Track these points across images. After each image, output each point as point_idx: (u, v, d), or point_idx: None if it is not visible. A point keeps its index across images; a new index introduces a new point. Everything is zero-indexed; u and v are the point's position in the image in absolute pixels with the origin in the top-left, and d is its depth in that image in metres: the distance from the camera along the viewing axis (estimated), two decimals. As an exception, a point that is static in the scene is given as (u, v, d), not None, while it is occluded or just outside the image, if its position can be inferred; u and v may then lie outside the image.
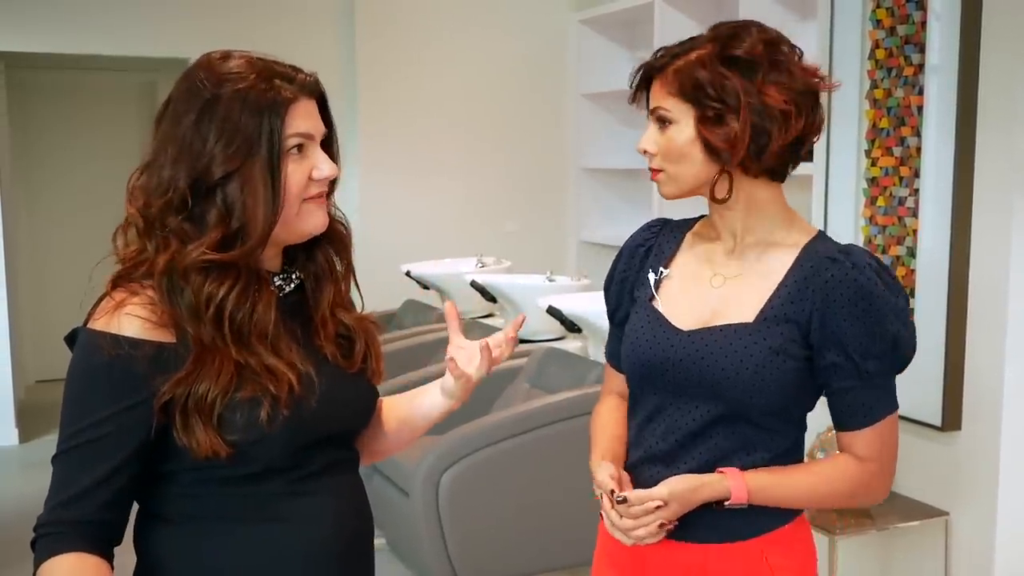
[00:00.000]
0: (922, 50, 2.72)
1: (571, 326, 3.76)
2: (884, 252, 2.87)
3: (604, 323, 3.60)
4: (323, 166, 1.31)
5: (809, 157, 1.47)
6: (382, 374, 1.44)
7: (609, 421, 1.57)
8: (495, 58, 5.82)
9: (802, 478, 1.42)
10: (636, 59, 5.33)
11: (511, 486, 3.22)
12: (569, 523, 2.98)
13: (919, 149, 2.74)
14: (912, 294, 2.75)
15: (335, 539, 1.33)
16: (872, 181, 2.91)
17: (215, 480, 1.27)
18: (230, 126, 1.24)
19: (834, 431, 1.46)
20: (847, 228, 2.95)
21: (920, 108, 2.73)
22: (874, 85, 2.88)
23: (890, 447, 1.43)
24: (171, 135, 1.26)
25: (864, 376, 1.37)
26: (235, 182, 1.25)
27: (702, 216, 1.54)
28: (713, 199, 1.43)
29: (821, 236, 1.44)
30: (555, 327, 3.98)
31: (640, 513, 1.37)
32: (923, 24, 2.72)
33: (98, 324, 1.23)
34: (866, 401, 1.39)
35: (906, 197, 2.80)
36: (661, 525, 1.38)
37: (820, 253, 1.40)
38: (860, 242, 2.92)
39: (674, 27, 4.68)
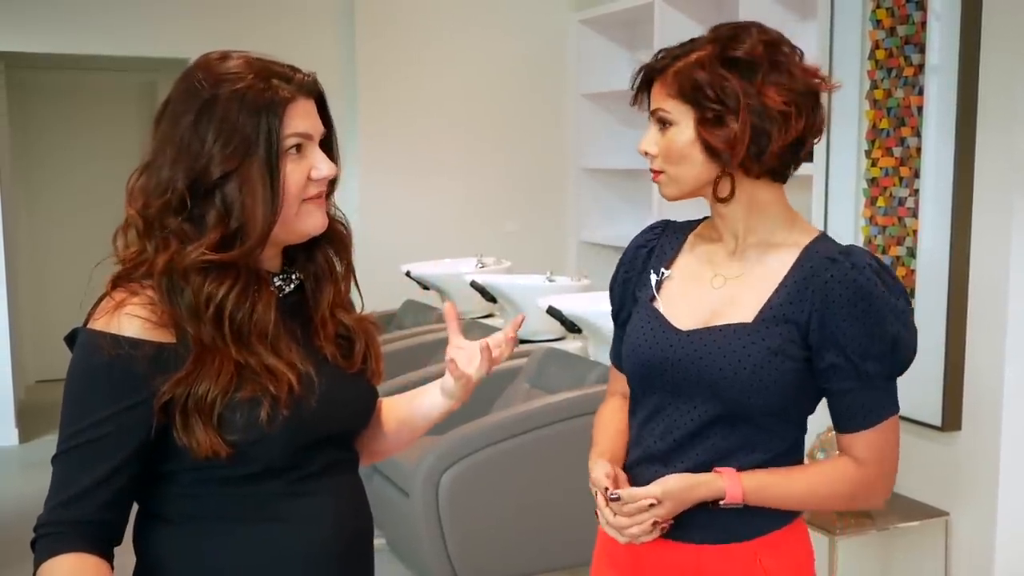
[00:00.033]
0: (922, 50, 2.72)
1: (571, 326, 3.76)
2: (884, 252, 2.87)
3: (604, 323, 3.63)
4: (322, 166, 1.31)
5: (809, 158, 1.47)
6: (382, 374, 1.44)
7: (611, 421, 1.57)
8: (495, 58, 5.82)
9: (800, 480, 1.42)
10: (636, 59, 5.33)
11: (511, 486, 3.22)
12: (569, 523, 2.98)
13: (919, 149, 2.74)
14: (912, 294, 2.75)
15: (335, 539, 1.33)
16: (872, 181, 2.91)
17: (215, 480, 1.27)
18: (228, 126, 1.24)
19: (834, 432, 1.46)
20: (847, 228, 2.95)
21: (920, 108, 2.73)
22: (874, 85, 2.88)
23: (890, 450, 1.42)
24: (169, 136, 1.27)
25: (863, 377, 1.36)
26: (233, 182, 1.25)
27: (705, 218, 1.54)
28: (714, 200, 1.43)
29: (823, 237, 1.44)
30: (555, 327, 3.98)
31: (633, 511, 1.37)
32: (923, 24, 2.72)
33: (98, 324, 1.23)
34: (865, 403, 1.38)
35: (906, 197, 2.80)
36: (655, 523, 1.38)
37: (820, 254, 1.39)
38: (860, 242, 2.92)
39: (674, 27, 4.68)
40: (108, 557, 1.24)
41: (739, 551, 1.42)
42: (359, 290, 1.47)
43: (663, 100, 1.41)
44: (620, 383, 1.60)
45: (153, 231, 1.26)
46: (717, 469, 1.40)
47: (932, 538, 2.80)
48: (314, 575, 1.32)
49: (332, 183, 1.36)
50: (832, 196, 3.02)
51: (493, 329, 3.77)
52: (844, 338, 1.35)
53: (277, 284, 1.34)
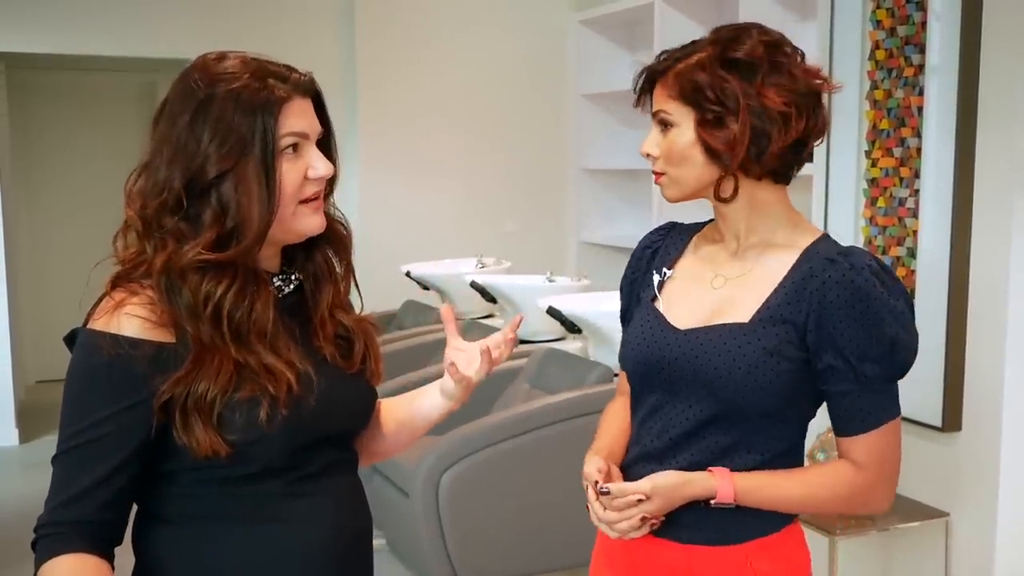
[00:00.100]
0: (922, 51, 2.72)
1: (571, 327, 3.76)
2: (884, 253, 2.87)
3: (604, 324, 3.63)
4: (318, 165, 1.31)
5: (810, 158, 1.46)
6: (381, 375, 1.44)
7: (614, 420, 1.57)
8: (495, 58, 5.81)
9: (796, 482, 1.40)
10: (636, 60, 5.33)
11: (511, 487, 3.22)
12: (569, 524, 2.97)
13: (919, 150, 2.74)
14: (912, 295, 2.75)
15: (334, 540, 1.33)
16: (872, 182, 2.91)
17: (214, 480, 1.27)
18: (224, 126, 1.24)
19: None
20: (847, 229, 2.95)
21: (920, 109, 2.73)
22: (874, 86, 2.88)
23: (891, 455, 1.40)
24: (167, 136, 1.27)
25: (862, 380, 1.35)
26: (229, 181, 1.25)
27: (711, 219, 1.54)
28: (715, 201, 1.43)
29: (825, 238, 1.44)
30: (555, 328, 3.98)
31: (622, 506, 1.37)
32: (923, 25, 2.72)
33: (98, 324, 1.24)
34: (864, 406, 1.37)
35: (906, 198, 2.80)
36: (644, 520, 1.37)
37: (820, 254, 1.39)
38: (860, 243, 2.92)
39: (674, 28, 4.68)
40: (108, 557, 1.24)
41: (730, 553, 1.41)
42: (359, 290, 1.47)
43: (664, 102, 1.41)
44: (627, 383, 1.61)
45: (151, 231, 1.26)
46: (710, 469, 1.39)
47: (932, 539, 2.80)
48: (313, 575, 1.32)
49: (331, 183, 1.36)
50: (832, 197, 3.02)
51: (493, 329, 3.77)
52: (842, 340, 1.34)
53: (276, 284, 1.34)
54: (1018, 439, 2.63)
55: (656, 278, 1.52)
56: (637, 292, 1.56)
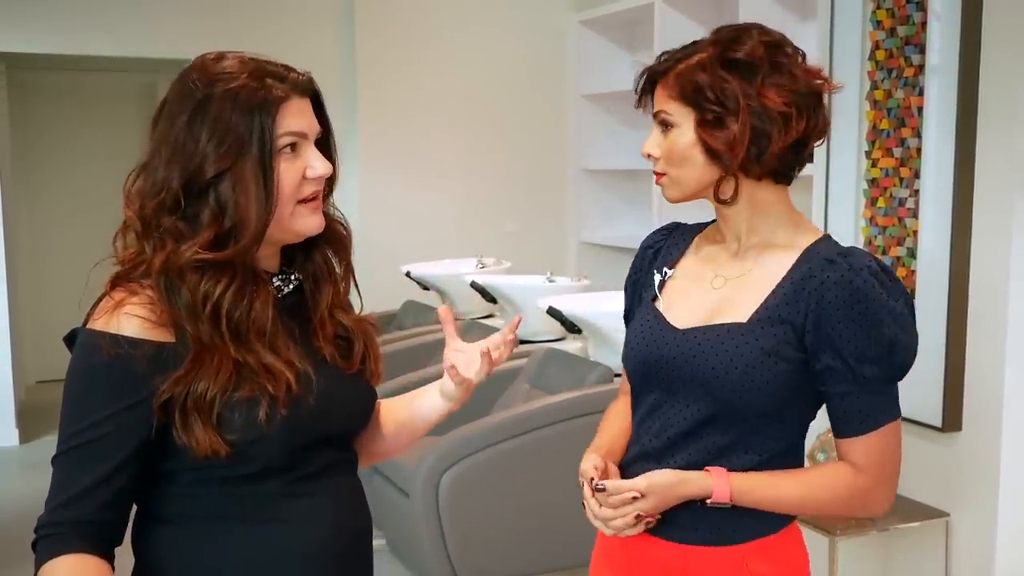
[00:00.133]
0: (922, 51, 2.72)
1: (571, 327, 3.76)
2: (884, 253, 2.87)
3: (604, 324, 3.63)
4: (316, 164, 1.31)
5: (810, 158, 1.46)
6: (380, 375, 1.44)
7: (615, 420, 1.57)
8: (495, 58, 5.82)
9: (793, 484, 1.40)
10: (636, 60, 5.34)
11: (511, 487, 3.22)
12: (569, 524, 2.97)
13: (919, 150, 2.74)
14: (912, 295, 2.75)
15: (333, 540, 1.33)
16: (872, 182, 2.91)
17: (214, 480, 1.27)
18: (221, 125, 1.24)
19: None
20: (847, 229, 2.95)
21: (920, 109, 2.73)
22: (874, 86, 2.88)
23: (891, 456, 1.39)
24: (165, 136, 1.27)
25: (860, 381, 1.34)
26: (227, 181, 1.25)
27: (714, 220, 1.54)
28: (716, 202, 1.43)
29: (825, 239, 1.43)
30: (555, 328, 3.98)
31: (617, 503, 1.37)
32: (923, 25, 2.72)
33: (97, 324, 1.24)
34: (863, 408, 1.36)
35: (906, 198, 2.80)
36: (639, 518, 1.37)
37: (820, 255, 1.39)
38: (860, 243, 2.93)
39: (674, 28, 4.68)
40: (109, 557, 1.24)
41: (727, 554, 1.40)
42: (358, 291, 1.47)
43: (665, 102, 1.41)
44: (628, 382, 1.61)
45: (150, 231, 1.27)
46: (707, 468, 1.39)
47: (932, 539, 2.80)
48: (312, 575, 1.32)
49: (331, 183, 1.36)
50: (832, 197, 3.02)
51: (493, 329, 3.78)
52: (840, 340, 1.33)
53: (276, 284, 1.34)
54: (1018, 439, 2.63)
55: (657, 278, 1.52)
56: (639, 292, 1.57)
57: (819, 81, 1.40)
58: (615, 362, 3.31)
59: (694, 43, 1.43)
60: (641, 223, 5.40)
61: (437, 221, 5.71)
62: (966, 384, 2.69)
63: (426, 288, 4.97)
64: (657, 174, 1.45)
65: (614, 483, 1.38)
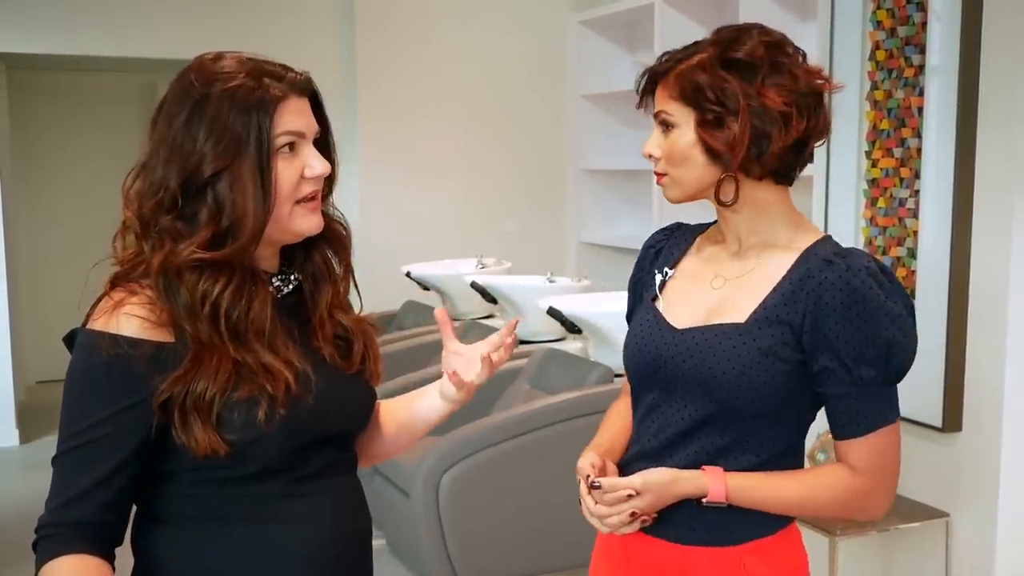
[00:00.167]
0: (922, 51, 2.72)
1: (571, 327, 3.76)
2: (884, 253, 2.87)
3: (604, 324, 3.63)
4: (315, 163, 1.31)
5: (810, 159, 1.46)
6: (380, 376, 1.43)
7: (616, 419, 1.57)
8: (495, 58, 5.81)
9: (790, 484, 1.39)
10: (636, 60, 5.34)
11: (511, 487, 3.22)
12: (569, 524, 2.96)
13: (919, 150, 2.74)
14: (912, 295, 2.75)
15: (332, 541, 1.33)
16: (872, 182, 2.91)
17: (214, 480, 1.27)
18: (219, 125, 1.24)
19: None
20: (847, 229, 2.95)
21: (920, 109, 2.73)
22: (874, 86, 2.88)
23: (890, 459, 1.38)
24: (163, 136, 1.27)
25: (858, 383, 1.34)
26: (225, 180, 1.25)
27: (716, 221, 1.54)
28: (716, 202, 1.43)
29: (826, 239, 1.43)
30: (555, 328, 3.98)
31: (613, 500, 1.37)
32: (923, 25, 2.72)
33: (97, 324, 1.24)
34: (860, 409, 1.36)
35: (907, 198, 2.80)
36: (635, 516, 1.37)
37: (819, 256, 1.38)
38: (860, 244, 2.93)
39: (674, 28, 4.68)
40: (109, 558, 1.24)
41: (725, 555, 1.40)
42: (358, 291, 1.47)
43: (665, 103, 1.41)
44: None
45: (148, 231, 1.27)
46: (704, 467, 1.39)
47: (933, 539, 2.80)
48: (312, 576, 1.32)
49: (330, 183, 1.36)
50: (832, 197, 3.02)
51: (492, 330, 3.77)
52: (837, 341, 1.33)
53: (275, 284, 1.34)
54: (1018, 439, 2.63)
55: (658, 278, 1.52)
56: (641, 292, 1.57)
57: (820, 81, 1.40)
58: (615, 362, 3.31)
59: (695, 43, 1.43)
60: (641, 223, 5.40)
61: (437, 221, 5.71)
62: (966, 384, 2.69)
63: (426, 288, 4.97)
64: (658, 174, 1.46)
65: (609, 481, 1.38)
